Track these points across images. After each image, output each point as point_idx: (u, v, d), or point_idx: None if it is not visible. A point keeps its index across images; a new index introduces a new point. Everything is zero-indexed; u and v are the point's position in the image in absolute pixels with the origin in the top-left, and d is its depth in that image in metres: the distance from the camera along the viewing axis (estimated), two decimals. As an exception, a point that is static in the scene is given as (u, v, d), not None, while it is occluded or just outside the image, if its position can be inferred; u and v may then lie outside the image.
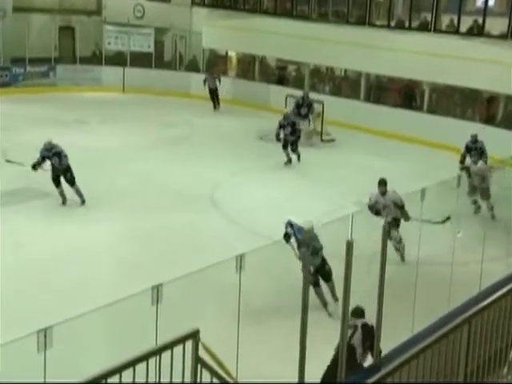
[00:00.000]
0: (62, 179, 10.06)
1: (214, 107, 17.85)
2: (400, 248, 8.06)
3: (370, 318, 4.81)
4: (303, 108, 14.59)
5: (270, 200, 10.72)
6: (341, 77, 18.70)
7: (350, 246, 3.64)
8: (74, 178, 10.05)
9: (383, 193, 8.22)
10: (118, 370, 3.50)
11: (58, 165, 9.94)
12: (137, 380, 3.59)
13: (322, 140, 14.89)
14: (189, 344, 3.85)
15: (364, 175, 11.49)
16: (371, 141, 14.87)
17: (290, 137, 12.55)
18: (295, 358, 3.43)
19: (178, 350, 3.79)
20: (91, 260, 8.06)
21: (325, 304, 6.93)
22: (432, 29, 15.23)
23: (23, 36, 18.24)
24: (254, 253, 5.55)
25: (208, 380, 3.92)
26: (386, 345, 3.96)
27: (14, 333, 4.02)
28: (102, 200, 10.31)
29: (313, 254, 6.66)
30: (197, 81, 18.23)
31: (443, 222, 7.88)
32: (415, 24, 15.87)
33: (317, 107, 14.88)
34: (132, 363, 3.57)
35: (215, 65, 19.90)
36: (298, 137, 12.83)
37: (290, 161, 12.72)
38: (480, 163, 10.06)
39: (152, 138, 14.49)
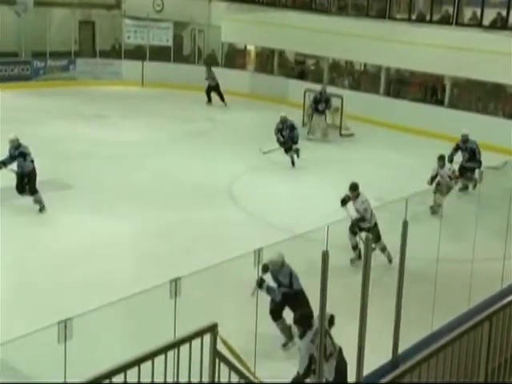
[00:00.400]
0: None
1: (209, 101, 17.65)
2: (385, 253, 7.91)
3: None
4: (321, 104, 14.49)
5: (288, 195, 10.71)
6: (360, 71, 18.56)
7: (368, 241, 3.63)
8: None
9: (355, 197, 8.15)
10: (137, 362, 3.53)
11: (21, 167, 9.13)
12: (155, 373, 3.61)
13: (340, 135, 14.80)
14: (207, 338, 3.86)
15: (383, 170, 11.40)
16: (391, 135, 14.74)
17: (288, 138, 12.30)
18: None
19: (196, 343, 3.80)
20: (105, 256, 7.98)
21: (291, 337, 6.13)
22: (454, 22, 15.01)
23: (44, 30, 18.42)
24: (273, 247, 5.54)
25: (226, 373, 3.92)
26: (405, 341, 3.93)
27: (31, 328, 4.05)
28: (120, 195, 10.29)
29: (279, 286, 6.13)
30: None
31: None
32: (437, 17, 15.67)
33: (336, 101, 14.78)
34: (150, 356, 3.59)
35: (214, 62, 19.83)
36: (297, 135, 12.49)
37: (296, 156, 12.32)
38: (446, 167, 10.07)
39: (171, 133, 14.51)
